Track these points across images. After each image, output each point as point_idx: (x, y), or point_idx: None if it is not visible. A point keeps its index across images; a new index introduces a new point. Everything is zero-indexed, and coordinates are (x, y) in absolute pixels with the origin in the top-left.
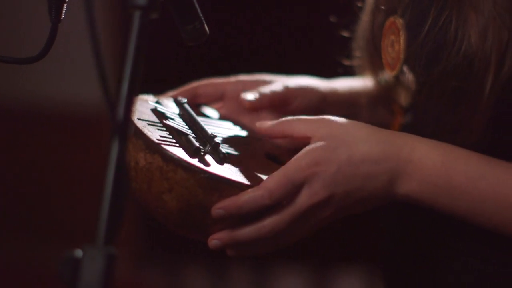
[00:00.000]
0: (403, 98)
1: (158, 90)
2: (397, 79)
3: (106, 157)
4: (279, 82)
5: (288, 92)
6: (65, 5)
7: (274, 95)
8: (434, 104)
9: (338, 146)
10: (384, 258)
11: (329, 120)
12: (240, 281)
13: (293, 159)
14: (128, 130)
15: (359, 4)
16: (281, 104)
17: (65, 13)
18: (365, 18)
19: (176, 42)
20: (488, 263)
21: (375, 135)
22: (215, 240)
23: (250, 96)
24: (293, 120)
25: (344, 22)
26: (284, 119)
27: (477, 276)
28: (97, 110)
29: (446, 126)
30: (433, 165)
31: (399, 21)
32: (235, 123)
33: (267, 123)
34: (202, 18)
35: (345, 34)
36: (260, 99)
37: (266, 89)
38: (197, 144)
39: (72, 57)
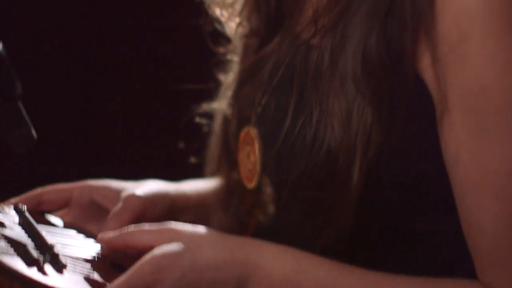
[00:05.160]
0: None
1: None
2: (258, 189)
3: None
4: (128, 195)
5: (139, 207)
6: None
7: (131, 216)
8: (293, 211)
9: (182, 253)
10: None
11: (171, 229)
12: None
13: (135, 265)
14: None
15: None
16: (137, 219)
17: None
18: (217, 130)
19: None
20: None
21: (221, 241)
22: None
23: (108, 234)
24: (135, 231)
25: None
26: (126, 230)
27: None
28: None
29: (306, 231)
30: (282, 271)
31: (253, 131)
32: (80, 230)
33: (108, 234)
34: (29, 123)
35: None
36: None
37: (120, 216)
38: (35, 254)
39: None
